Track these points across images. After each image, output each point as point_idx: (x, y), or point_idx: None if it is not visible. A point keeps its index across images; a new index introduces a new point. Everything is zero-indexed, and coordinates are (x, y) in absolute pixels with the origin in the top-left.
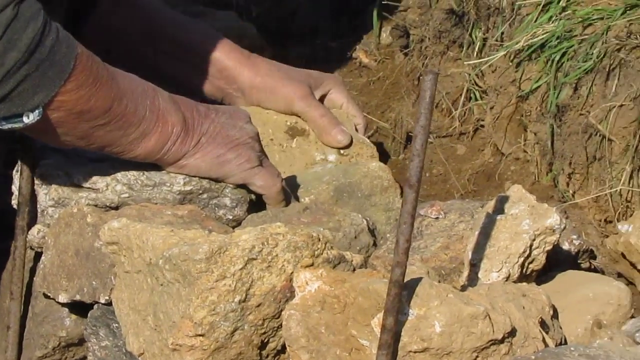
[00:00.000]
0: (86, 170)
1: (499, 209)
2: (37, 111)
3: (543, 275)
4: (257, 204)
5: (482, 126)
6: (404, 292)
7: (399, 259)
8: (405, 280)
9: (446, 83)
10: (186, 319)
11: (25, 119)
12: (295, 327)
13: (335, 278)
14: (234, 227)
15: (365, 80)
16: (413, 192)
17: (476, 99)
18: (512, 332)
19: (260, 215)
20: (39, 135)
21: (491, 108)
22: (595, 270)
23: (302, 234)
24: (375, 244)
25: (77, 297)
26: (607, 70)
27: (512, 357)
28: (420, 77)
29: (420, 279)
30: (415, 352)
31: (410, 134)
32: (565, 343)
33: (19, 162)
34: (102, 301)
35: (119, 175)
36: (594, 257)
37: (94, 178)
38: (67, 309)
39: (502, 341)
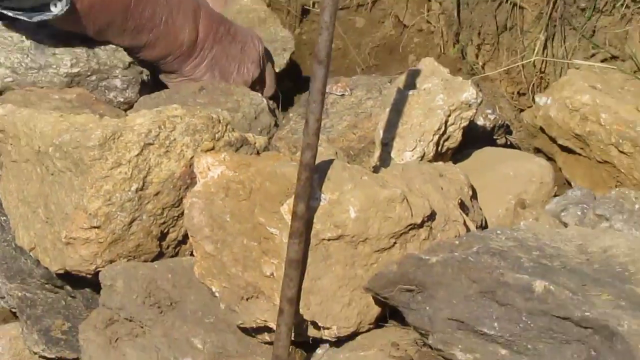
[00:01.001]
0: None
1: (411, 84)
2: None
3: (458, 153)
4: (150, 85)
5: None
6: (314, 175)
7: (309, 140)
8: (315, 163)
9: None
10: (80, 210)
11: (53, 8)
12: (198, 216)
13: (239, 162)
14: (126, 110)
15: None
16: (323, 68)
17: None
18: (432, 216)
19: (154, 96)
20: (65, 26)
21: None
22: (511, 145)
23: (201, 116)
24: (276, 124)
25: None
26: None
27: (432, 242)
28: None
29: (331, 161)
30: (329, 239)
31: (306, 6)
32: (487, 225)
33: None
34: None
35: (1, 58)
36: (510, 132)
37: None
38: None
39: (421, 225)
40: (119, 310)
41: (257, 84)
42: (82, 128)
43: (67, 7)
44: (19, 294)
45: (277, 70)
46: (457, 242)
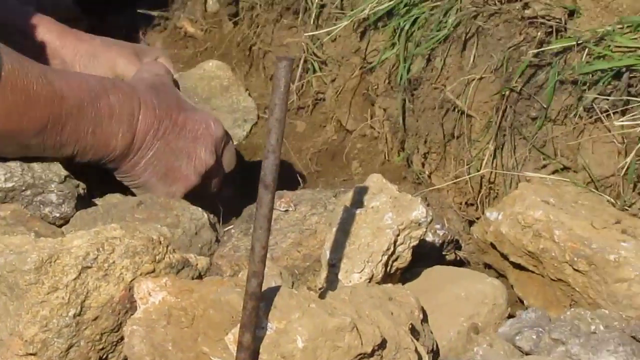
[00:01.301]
0: None
1: (358, 202)
2: None
3: (407, 272)
4: (86, 199)
5: (323, 100)
6: (261, 303)
7: (255, 269)
8: (262, 291)
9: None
10: (15, 337)
11: None
12: (139, 345)
13: (181, 288)
14: (61, 226)
15: (192, 51)
16: (269, 193)
17: (314, 71)
18: (382, 344)
19: (90, 211)
20: None
21: (332, 81)
22: (461, 261)
23: (141, 237)
24: (217, 240)
25: None
26: (463, 39)
27: None
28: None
29: (278, 287)
30: None
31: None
32: (438, 349)
33: None
34: None
35: None
36: (459, 247)
37: None
38: None
39: (371, 354)
40: None
41: (213, 170)
42: (17, 250)
43: None
44: None
45: (235, 142)
46: None
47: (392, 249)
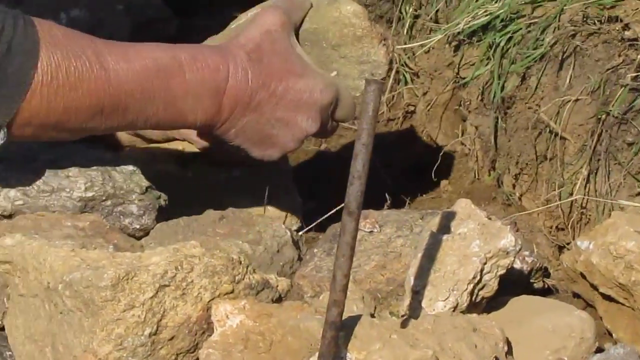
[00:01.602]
0: None
1: (445, 228)
2: (0, 134)
3: (493, 301)
4: (167, 211)
5: (413, 112)
6: (340, 333)
7: (336, 297)
8: (343, 320)
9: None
10: (89, 354)
11: None
12: None
13: (260, 311)
14: (140, 237)
15: None
16: (353, 221)
17: (406, 83)
18: None
19: (171, 224)
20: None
21: (424, 94)
22: (549, 289)
23: (220, 257)
24: (300, 258)
25: None
26: (560, 58)
27: None
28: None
29: (359, 317)
30: None
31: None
32: None
33: None
34: None
35: (12, 179)
36: (548, 275)
37: None
38: None
39: None
40: None
41: (319, 132)
42: (94, 265)
43: (3, 141)
44: None
45: (357, 94)
46: None
47: (478, 277)
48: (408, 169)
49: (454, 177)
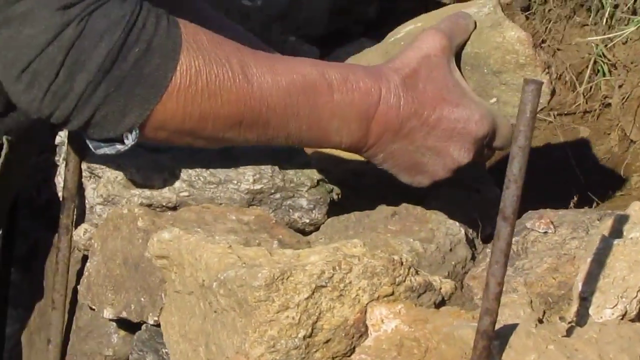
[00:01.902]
0: (141, 163)
1: (617, 231)
2: (133, 133)
3: None
4: (339, 204)
5: (609, 105)
6: (495, 342)
7: (489, 306)
8: (497, 328)
9: (571, 53)
10: (241, 356)
11: (118, 145)
12: None
13: (415, 317)
14: (311, 232)
15: None
16: (508, 226)
17: (604, 74)
18: None
19: (342, 219)
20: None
21: (620, 86)
22: None
23: (381, 257)
24: (473, 257)
25: (124, 315)
26: None
27: None
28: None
29: (515, 325)
30: None
31: None
32: None
33: (65, 150)
34: (151, 322)
35: (178, 170)
36: None
37: (150, 173)
38: (115, 324)
39: None
40: None
41: (472, 163)
42: (250, 263)
43: (133, 142)
44: None
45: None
46: None
47: None
48: (600, 163)
49: None
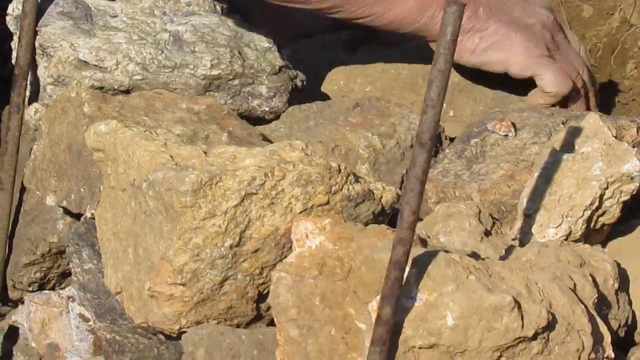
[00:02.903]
0: (94, 43)
1: (568, 145)
2: None
3: (623, 224)
4: (304, 91)
5: None
6: (413, 269)
7: (402, 235)
8: (416, 255)
9: None
10: (166, 262)
11: None
12: (284, 295)
13: (340, 234)
14: (271, 121)
15: None
16: (425, 152)
17: None
18: (549, 326)
19: (304, 108)
20: None
21: None
22: None
23: (317, 164)
24: (436, 154)
25: (64, 204)
26: None
27: (546, 355)
28: None
29: (435, 252)
30: (420, 347)
31: None
32: (634, 323)
33: (19, 27)
34: (88, 215)
35: (132, 51)
36: None
37: (102, 54)
38: (61, 210)
39: (534, 338)
40: None
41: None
42: (182, 164)
43: None
44: (108, 335)
45: None
46: None
47: (596, 203)
48: (599, 45)
49: None
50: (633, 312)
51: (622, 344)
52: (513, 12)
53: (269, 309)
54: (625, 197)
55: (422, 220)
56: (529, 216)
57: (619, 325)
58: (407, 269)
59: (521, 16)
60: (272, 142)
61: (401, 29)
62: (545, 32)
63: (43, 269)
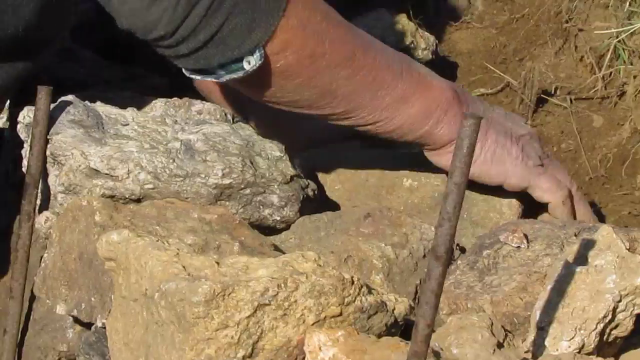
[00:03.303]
0: (106, 152)
1: (581, 257)
2: (257, 53)
3: (636, 337)
4: (316, 201)
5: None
6: None
7: (417, 348)
8: None
9: (594, 34)
10: None
11: (245, 65)
12: None
13: (354, 347)
14: (282, 230)
15: (507, 17)
16: (440, 266)
17: (624, 61)
18: None
19: (314, 219)
20: (260, 91)
21: (634, 77)
22: None
23: (331, 276)
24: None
25: (75, 313)
26: None
27: None
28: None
29: None
30: None
31: (542, 95)
32: None
33: (30, 134)
34: (99, 324)
35: (143, 160)
36: None
37: (114, 162)
38: (71, 318)
39: None
40: None
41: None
42: (194, 274)
43: (260, 63)
44: None
45: None
46: None
47: (610, 316)
48: (610, 156)
49: None
50: None
51: None
52: (506, 123)
53: None
54: (638, 310)
55: (434, 331)
56: (542, 329)
57: None
58: None
59: (513, 127)
60: (283, 253)
61: (406, 136)
62: (535, 142)
63: None
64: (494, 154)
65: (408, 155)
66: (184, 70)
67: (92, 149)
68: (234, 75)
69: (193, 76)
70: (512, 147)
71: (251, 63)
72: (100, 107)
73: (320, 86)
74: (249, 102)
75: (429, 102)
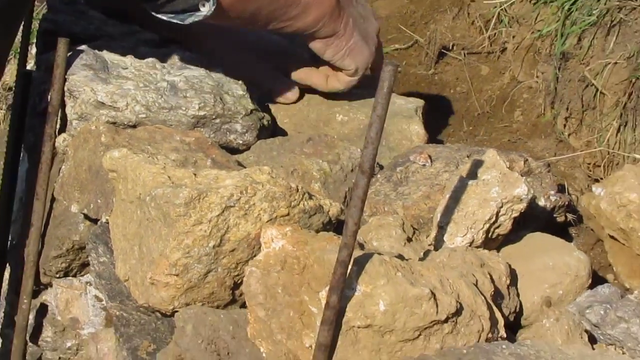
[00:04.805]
0: (110, 89)
1: (472, 173)
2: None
3: (513, 234)
4: (269, 129)
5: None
6: (354, 267)
7: (346, 241)
8: (357, 256)
9: (483, 4)
10: (163, 258)
11: (202, 9)
12: (254, 285)
13: (298, 239)
14: (243, 151)
15: None
16: (365, 178)
17: (505, 25)
18: (458, 312)
19: (269, 142)
20: (230, 18)
21: (513, 37)
22: (569, 224)
23: (281, 185)
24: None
25: (85, 211)
26: (607, 26)
27: (455, 334)
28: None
29: (371, 255)
30: (358, 327)
31: (442, 50)
32: (521, 311)
33: (53, 75)
34: (104, 220)
35: (138, 96)
36: (574, 211)
37: (115, 97)
38: (82, 215)
39: (445, 321)
40: (186, 351)
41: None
42: (177, 183)
43: (214, 7)
44: (117, 312)
45: None
46: (464, 352)
47: (494, 218)
48: (493, 97)
49: (526, 109)
50: (520, 302)
51: (512, 327)
52: (363, 25)
53: (242, 294)
54: (515, 214)
55: (360, 228)
56: (442, 227)
57: (510, 312)
58: (350, 266)
59: (367, 29)
60: (245, 167)
61: (303, 32)
62: (377, 39)
63: (67, 260)
64: (354, 46)
65: (340, 96)
66: (163, 16)
67: (100, 86)
68: (195, 19)
69: (161, 16)
70: (364, 46)
71: (206, 7)
72: (106, 54)
73: (249, 13)
74: (219, 51)
75: (320, 13)
